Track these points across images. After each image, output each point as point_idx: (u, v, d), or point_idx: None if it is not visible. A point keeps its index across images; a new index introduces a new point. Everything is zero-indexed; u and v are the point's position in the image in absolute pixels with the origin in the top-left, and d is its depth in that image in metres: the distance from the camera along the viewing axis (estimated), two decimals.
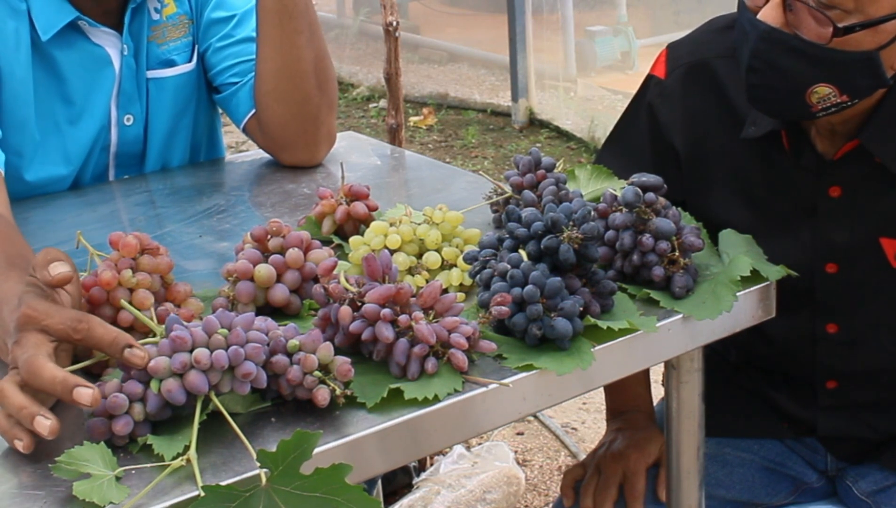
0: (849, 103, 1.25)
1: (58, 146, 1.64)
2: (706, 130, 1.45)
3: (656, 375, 1.53)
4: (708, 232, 1.25)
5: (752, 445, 1.59)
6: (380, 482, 2.20)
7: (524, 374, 1.02)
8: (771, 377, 1.56)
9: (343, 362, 0.96)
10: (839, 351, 1.45)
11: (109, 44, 1.65)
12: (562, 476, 1.63)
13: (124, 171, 1.74)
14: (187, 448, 0.90)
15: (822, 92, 1.23)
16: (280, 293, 1.12)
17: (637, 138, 1.52)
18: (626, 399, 1.63)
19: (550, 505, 2.53)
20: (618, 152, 1.54)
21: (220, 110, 1.86)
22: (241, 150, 4.67)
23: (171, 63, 1.73)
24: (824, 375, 1.48)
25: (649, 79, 1.52)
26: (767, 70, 1.24)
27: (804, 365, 1.48)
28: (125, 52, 1.66)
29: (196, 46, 1.76)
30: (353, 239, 1.25)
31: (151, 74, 1.71)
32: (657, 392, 1.54)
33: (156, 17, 1.70)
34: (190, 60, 1.75)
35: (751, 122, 1.39)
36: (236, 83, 1.74)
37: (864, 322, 1.43)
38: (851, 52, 1.20)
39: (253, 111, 1.72)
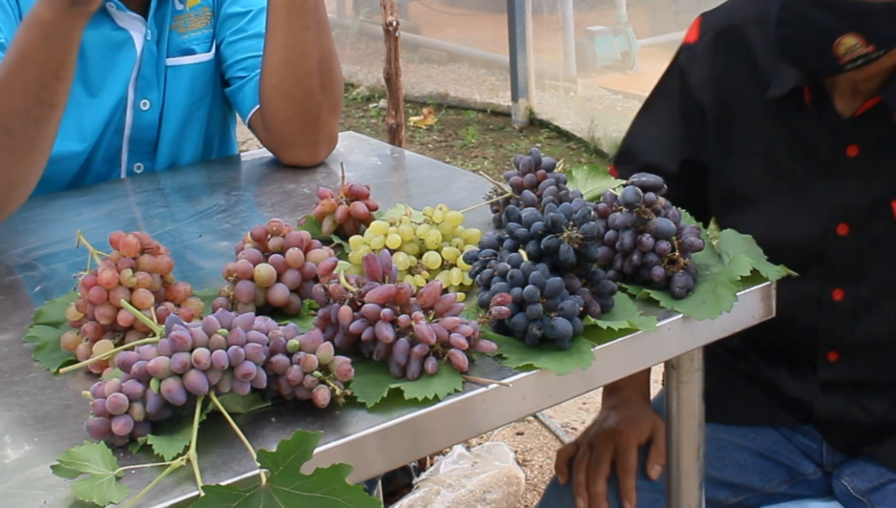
0: (874, 55, 1.29)
1: (73, 122, 1.65)
2: (732, 91, 1.51)
3: (656, 375, 1.53)
4: (726, 198, 1.27)
5: (747, 433, 1.60)
6: (380, 482, 2.20)
7: (524, 374, 1.02)
8: (771, 354, 1.57)
9: (343, 362, 0.96)
10: (843, 320, 1.47)
11: (134, 28, 1.68)
12: None
13: (136, 157, 1.75)
14: (187, 448, 0.90)
15: (849, 43, 1.27)
16: (280, 293, 1.12)
17: (667, 105, 1.58)
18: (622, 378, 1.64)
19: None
20: (648, 121, 1.61)
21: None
22: (241, 150, 4.65)
23: (190, 51, 1.75)
24: (826, 345, 1.50)
25: (682, 47, 1.57)
26: (796, 22, 1.30)
27: (807, 333, 1.50)
28: (148, 38, 1.68)
29: (215, 39, 1.78)
30: (353, 239, 1.25)
31: (171, 61, 1.73)
32: (657, 392, 1.54)
33: (180, 6, 1.74)
34: (209, 51, 1.77)
35: (775, 83, 1.43)
36: (244, 77, 1.76)
37: (871, 289, 1.45)
38: (877, 2, 1.24)
39: (258, 106, 1.73)
